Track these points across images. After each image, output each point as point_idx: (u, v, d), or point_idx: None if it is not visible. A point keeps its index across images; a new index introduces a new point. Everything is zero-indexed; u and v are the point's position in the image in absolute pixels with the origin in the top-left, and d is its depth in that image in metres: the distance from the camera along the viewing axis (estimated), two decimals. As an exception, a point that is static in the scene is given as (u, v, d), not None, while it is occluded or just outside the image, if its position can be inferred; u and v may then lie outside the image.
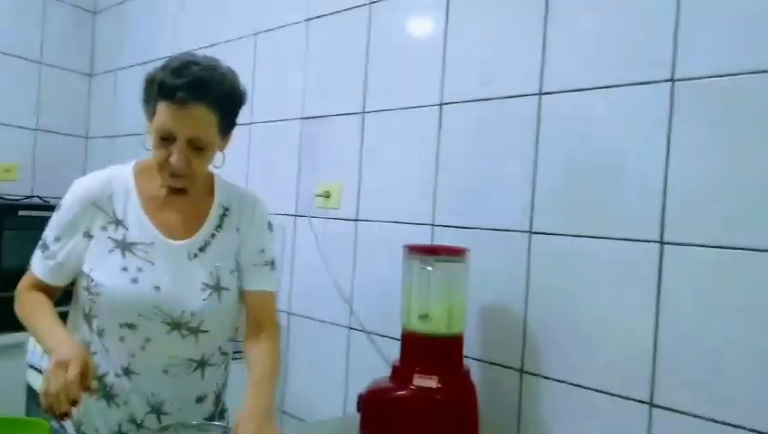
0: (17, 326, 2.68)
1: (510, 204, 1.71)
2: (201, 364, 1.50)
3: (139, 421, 1.46)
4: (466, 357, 1.65)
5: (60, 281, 1.48)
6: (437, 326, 1.58)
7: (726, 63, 1.35)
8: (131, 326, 1.42)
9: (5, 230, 3.00)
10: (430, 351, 1.58)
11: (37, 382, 2.50)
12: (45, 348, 1.37)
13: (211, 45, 2.80)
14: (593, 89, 1.56)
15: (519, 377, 1.67)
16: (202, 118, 1.36)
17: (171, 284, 1.43)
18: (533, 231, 1.66)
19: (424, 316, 1.59)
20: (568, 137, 1.60)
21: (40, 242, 1.48)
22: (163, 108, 1.34)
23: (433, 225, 1.90)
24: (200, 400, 1.52)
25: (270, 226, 1.59)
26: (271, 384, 1.43)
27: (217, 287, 1.47)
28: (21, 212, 3.08)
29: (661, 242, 1.42)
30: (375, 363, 1.90)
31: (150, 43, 3.24)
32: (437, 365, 1.56)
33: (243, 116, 2.66)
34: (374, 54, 2.11)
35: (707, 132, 1.37)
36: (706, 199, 1.37)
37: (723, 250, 1.33)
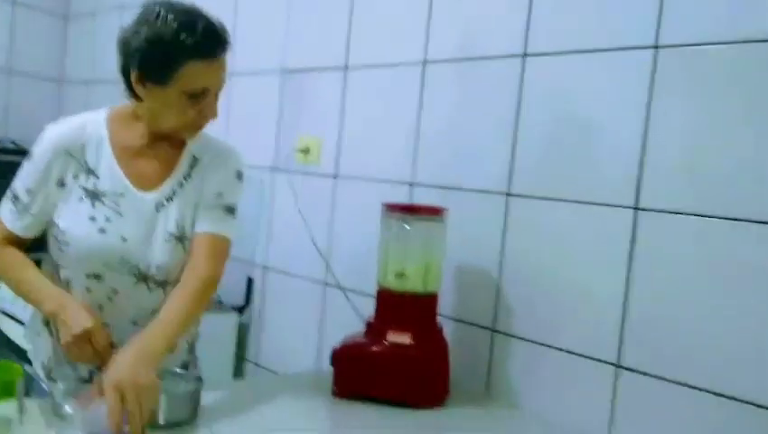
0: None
1: (489, 166, 1.71)
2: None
3: None
4: (440, 315, 1.68)
5: (32, 233, 1.45)
6: (413, 285, 1.60)
7: (711, 32, 1.35)
8: (97, 277, 1.41)
9: (-23, 174, 2.95)
10: (405, 308, 1.59)
11: (8, 327, 2.50)
12: (43, 310, 1.40)
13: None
14: (577, 52, 1.55)
15: (490, 336, 1.69)
16: (225, 66, 1.39)
17: (138, 236, 1.41)
18: (511, 193, 1.67)
19: (400, 274, 1.60)
20: (550, 100, 1.60)
21: (9, 193, 1.43)
22: (193, 67, 1.32)
23: (412, 184, 1.90)
24: (171, 349, 1.44)
25: (239, 175, 1.53)
26: (172, 330, 1.34)
27: (181, 238, 1.44)
28: (-6, 156, 3.03)
29: (636, 208, 1.44)
30: (350, 320, 1.92)
31: (129, -13, 3.15)
32: (411, 323, 1.57)
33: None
34: (358, 8, 2.08)
35: (687, 100, 1.38)
36: (683, 167, 1.38)
37: (697, 217, 1.35)
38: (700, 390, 1.33)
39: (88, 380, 1.44)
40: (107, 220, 1.40)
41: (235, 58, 2.45)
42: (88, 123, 1.45)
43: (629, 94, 1.46)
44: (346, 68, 2.09)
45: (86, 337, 1.30)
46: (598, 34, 1.51)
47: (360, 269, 1.96)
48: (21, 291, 1.44)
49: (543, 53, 1.62)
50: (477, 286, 1.72)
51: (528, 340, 1.62)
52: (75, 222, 1.40)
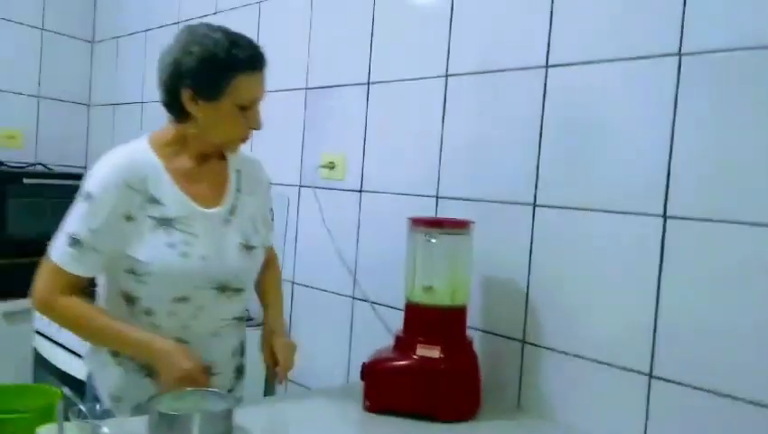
0: (23, 293, 2.71)
1: (514, 177, 1.71)
2: (240, 320, 1.61)
3: None
4: (469, 328, 1.67)
5: (95, 273, 1.47)
6: (441, 298, 1.60)
7: (734, 38, 1.34)
8: (183, 300, 1.46)
9: (10, 198, 3.01)
10: (433, 322, 1.60)
11: (44, 347, 2.54)
12: (134, 353, 1.46)
13: (215, 13, 2.77)
14: (600, 62, 1.55)
15: (521, 348, 1.69)
16: (265, 79, 1.49)
17: (214, 251, 1.48)
18: (537, 203, 1.66)
19: (427, 288, 1.61)
20: (574, 111, 1.60)
21: (63, 238, 1.42)
22: (245, 80, 1.42)
23: (437, 197, 1.90)
24: (234, 353, 1.61)
25: (270, 185, 1.72)
26: (281, 306, 1.73)
27: (248, 247, 1.54)
28: (25, 180, 3.09)
29: (665, 216, 1.43)
30: (378, 334, 1.92)
31: (152, 10, 3.21)
32: (440, 336, 1.57)
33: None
34: (379, 24, 2.09)
35: (712, 107, 1.37)
36: (710, 174, 1.37)
37: (726, 223, 1.34)
38: (734, 398, 1.32)
39: None
40: (185, 243, 1.45)
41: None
42: (137, 153, 1.47)
43: (654, 102, 1.45)
44: (369, 83, 2.11)
45: (187, 378, 1.38)
46: (621, 43, 1.51)
47: (388, 283, 1.96)
48: (101, 340, 1.49)
49: (566, 64, 1.62)
50: (506, 297, 1.72)
51: (559, 351, 1.61)
52: (155, 252, 1.42)
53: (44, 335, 2.55)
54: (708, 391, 1.35)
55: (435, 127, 1.90)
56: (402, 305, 1.66)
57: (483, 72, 1.79)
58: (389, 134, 2.04)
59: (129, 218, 1.42)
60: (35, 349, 2.62)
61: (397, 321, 1.74)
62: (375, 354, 1.64)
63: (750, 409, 1.30)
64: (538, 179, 1.66)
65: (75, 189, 3.48)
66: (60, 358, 2.42)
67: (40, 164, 3.42)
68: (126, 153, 1.48)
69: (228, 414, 1.34)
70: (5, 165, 3.26)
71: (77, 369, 2.30)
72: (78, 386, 2.24)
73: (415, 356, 1.56)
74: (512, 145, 1.72)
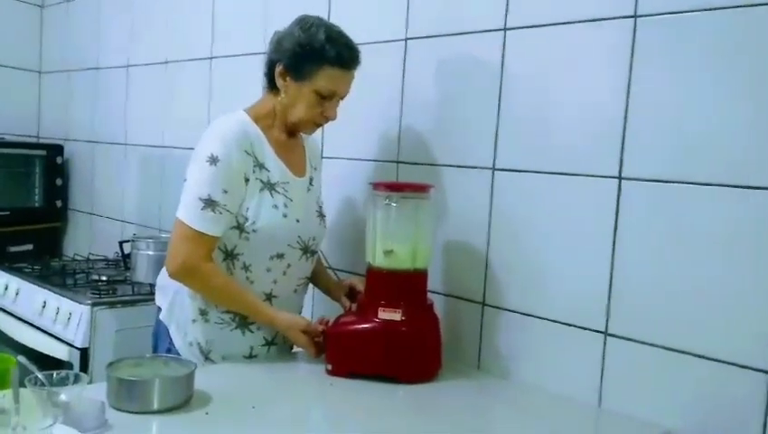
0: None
1: (473, 141, 1.72)
2: (308, 281, 1.79)
3: (270, 340, 1.69)
4: (430, 291, 1.69)
5: (224, 232, 1.58)
6: (402, 262, 1.61)
7: (688, 0, 1.35)
8: (279, 256, 1.64)
9: (-40, 167, 2.93)
10: (394, 286, 1.61)
11: (4, 322, 2.49)
12: (259, 321, 1.65)
13: (169, -24, 2.71)
14: (557, 24, 1.56)
15: (480, 310, 1.71)
16: (353, 79, 1.65)
17: (305, 215, 1.68)
18: (496, 167, 1.68)
19: (388, 252, 1.61)
20: (531, 73, 1.61)
21: (197, 203, 1.53)
22: (330, 73, 1.59)
23: (398, 162, 1.90)
24: (302, 309, 1.81)
25: None
26: None
27: (321, 214, 1.77)
28: (-24, 149, 3.01)
29: (620, 178, 1.45)
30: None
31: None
32: (402, 299, 1.59)
33: (204, 50, 2.61)
34: (338, -13, 2.07)
35: (667, 69, 1.39)
36: (664, 135, 1.39)
37: (679, 184, 1.37)
38: (685, 353, 1.36)
39: (248, 356, 1.68)
40: (285, 205, 1.63)
41: (215, 41, 2.43)
42: (243, 123, 1.63)
43: (609, 64, 1.47)
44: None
45: (309, 334, 1.62)
46: (578, 6, 1.52)
47: (349, 248, 1.97)
48: (233, 306, 1.64)
49: (523, 26, 1.62)
50: (466, 261, 1.74)
51: (518, 312, 1.64)
52: (263, 212, 1.60)
53: (3, 310, 2.50)
54: (661, 346, 1.39)
55: (395, 91, 1.90)
56: (364, 270, 1.67)
57: (442, 36, 1.79)
58: (350, 99, 2.02)
59: (246, 180, 1.59)
60: (-8, 322, 2.57)
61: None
62: (337, 319, 1.64)
63: (700, 362, 1.34)
64: (498, 143, 1.67)
65: (27, 158, 3.41)
66: (16, 330, 2.38)
67: (-8, 133, 3.32)
68: (235, 122, 1.62)
69: (188, 379, 1.33)
70: (-46, 134, 3.16)
71: (33, 340, 2.27)
72: (36, 357, 2.21)
73: (376, 320, 1.57)
74: (471, 108, 1.72)
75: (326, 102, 1.62)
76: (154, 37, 2.82)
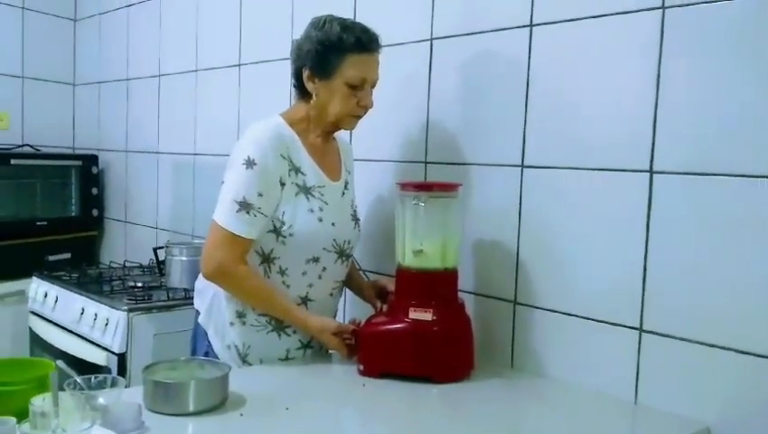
0: (16, 274, 2.72)
1: (501, 139, 1.71)
2: (343, 284, 1.79)
3: (306, 343, 1.70)
4: (461, 291, 1.68)
5: (259, 235, 1.60)
6: (431, 261, 1.60)
7: (718, -11, 1.33)
8: (315, 260, 1.66)
9: (-1, 179, 3.00)
10: (425, 285, 1.60)
11: (39, 326, 2.55)
12: (293, 324, 1.66)
13: (196, -15, 2.75)
14: (583, 18, 1.54)
15: (512, 308, 1.70)
16: (378, 63, 1.66)
17: (340, 219, 1.70)
18: (525, 165, 1.66)
19: (418, 252, 1.61)
20: (559, 69, 1.60)
21: (233, 206, 1.55)
22: (354, 60, 1.60)
23: (426, 162, 1.90)
24: (336, 312, 1.82)
25: None
26: None
27: (356, 218, 1.78)
28: (13, 161, 3.08)
29: (651, 172, 1.43)
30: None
31: (133, -15, 3.17)
32: (432, 299, 1.58)
33: (233, 57, 2.63)
34: (362, -10, 2.08)
35: (697, 60, 1.37)
36: (695, 128, 1.37)
37: (712, 177, 1.35)
38: (723, 348, 1.34)
39: (285, 358, 1.69)
40: (321, 210, 1.64)
41: (242, 48, 2.46)
42: (280, 127, 1.65)
43: (638, 57, 1.45)
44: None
45: (340, 336, 1.63)
46: (604, -1, 1.50)
47: (379, 249, 1.97)
48: (267, 309, 1.65)
49: (550, 22, 1.61)
50: (497, 259, 1.73)
51: (550, 310, 1.62)
52: (299, 216, 1.62)
53: (39, 315, 2.56)
54: (697, 342, 1.37)
55: (421, 91, 1.90)
56: (394, 270, 1.67)
57: (467, 34, 1.78)
58: (377, 100, 2.03)
59: (282, 183, 1.60)
60: (31, 328, 2.63)
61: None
62: (368, 319, 1.65)
63: (738, 357, 1.31)
64: (525, 139, 1.66)
65: (64, 169, 3.48)
66: (55, 336, 2.43)
67: (27, 145, 3.39)
68: (271, 126, 1.65)
69: (223, 381, 1.35)
70: (-8, 147, 3.24)
71: (72, 346, 2.32)
72: (74, 363, 2.26)
73: (407, 320, 1.57)
74: (499, 106, 1.72)
75: (359, 92, 1.63)
76: (183, 46, 2.86)
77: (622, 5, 1.47)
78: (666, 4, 1.40)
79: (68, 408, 1.09)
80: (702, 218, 1.36)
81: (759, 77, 1.29)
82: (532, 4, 1.64)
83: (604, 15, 1.51)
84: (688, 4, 1.37)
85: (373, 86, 1.67)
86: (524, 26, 1.65)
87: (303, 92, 1.68)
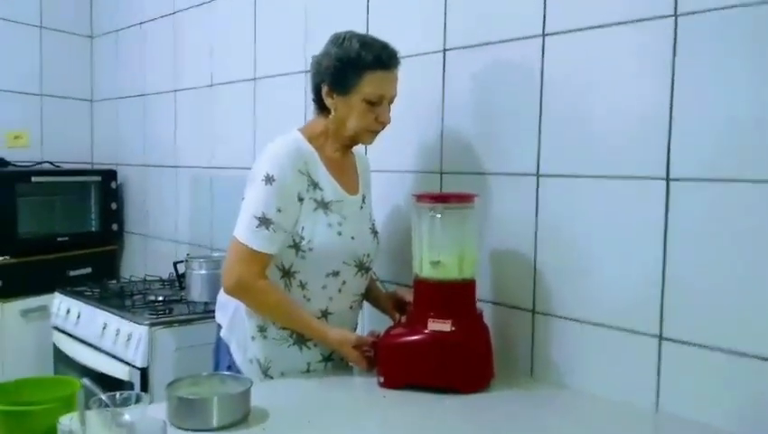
0: (39, 290, 2.75)
1: (516, 148, 1.71)
2: (363, 297, 1.81)
3: (327, 356, 1.72)
4: (479, 300, 1.69)
5: (279, 251, 1.62)
6: (449, 272, 1.61)
7: (730, -5, 1.33)
8: (335, 274, 1.67)
9: (19, 196, 3.04)
10: (443, 296, 1.61)
11: (63, 342, 2.58)
12: (313, 337, 1.67)
13: (207, 2, 2.78)
14: (596, 27, 1.55)
15: (531, 317, 1.70)
16: (396, 80, 1.68)
17: (359, 233, 1.71)
18: (540, 173, 1.67)
19: (435, 263, 1.62)
20: (572, 78, 1.60)
21: (252, 221, 1.57)
22: (373, 78, 1.62)
23: (441, 173, 1.91)
24: (357, 325, 1.84)
25: None
26: None
27: (374, 232, 1.79)
28: (34, 179, 3.12)
29: (667, 179, 1.43)
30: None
31: (148, 2, 3.21)
32: (450, 310, 1.59)
33: (248, 72, 2.66)
34: (374, 1, 2.09)
35: (711, 67, 1.37)
36: (711, 134, 1.37)
37: (729, 183, 1.34)
38: (744, 355, 1.33)
39: (306, 372, 1.71)
40: (339, 224, 1.66)
41: (257, 62, 2.48)
42: (298, 143, 1.67)
43: (652, 65, 1.45)
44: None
45: (359, 348, 1.63)
46: (616, 7, 1.50)
47: (397, 260, 1.98)
48: (287, 323, 1.67)
49: (562, 31, 1.61)
50: (514, 269, 1.73)
51: (569, 318, 1.62)
52: (318, 231, 1.63)
53: (63, 331, 2.59)
54: (718, 349, 1.37)
55: (436, 102, 1.91)
56: (411, 281, 1.68)
57: (480, 45, 1.79)
58: (392, 111, 2.04)
59: (301, 199, 1.62)
60: (54, 344, 2.66)
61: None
62: (387, 331, 1.65)
63: (760, 364, 1.31)
64: (540, 148, 1.66)
65: (83, 185, 3.52)
66: (78, 352, 2.46)
67: (47, 162, 3.45)
68: (290, 141, 1.66)
69: (245, 396, 1.36)
70: (13, 164, 3.29)
71: (95, 361, 2.34)
72: (97, 378, 2.29)
73: (426, 331, 1.58)
74: (513, 115, 1.72)
75: (377, 108, 1.65)
76: (199, 61, 2.90)
77: (634, 14, 1.48)
78: (678, 12, 1.40)
79: (95, 426, 1.11)
80: (719, 224, 1.36)
81: (774, 83, 1.28)
82: (544, 14, 1.64)
83: (617, 24, 1.51)
84: (700, 11, 1.37)
85: (391, 102, 1.68)
86: (537, 36, 1.66)
87: (321, 107, 1.70)
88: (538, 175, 1.67)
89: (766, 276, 1.30)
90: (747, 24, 1.32)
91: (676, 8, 1.41)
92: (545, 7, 1.64)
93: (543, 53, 1.65)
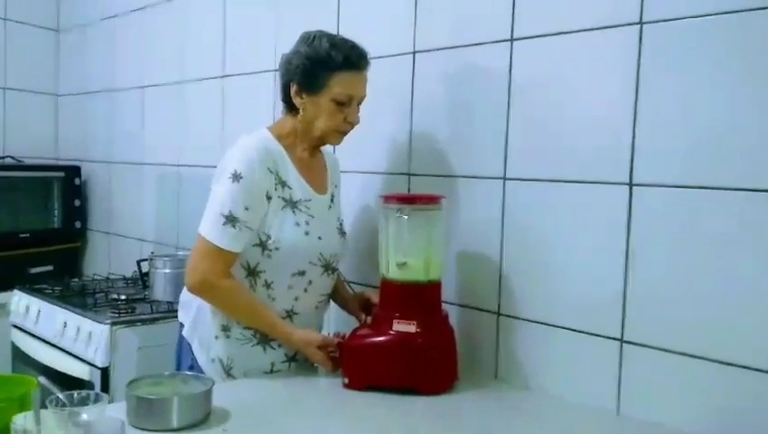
0: (-1, 287, 2.62)
1: (484, 151, 1.72)
2: (328, 297, 1.80)
3: (291, 356, 1.71)
4: (445, 302, 1.69)
5: (243, 249, 1.60)
6: (415, 274, 1.61)
7: (695, 5, 1.35)
8: (301, 273, 1.66)
9: (-20, 192, 2.97)
10: (408, 298, 1.61)
11: (22, 340, 2.53)
12: (278, 337, 1.66)
13: (180, -3, 2.75)
14: (563, 33, 1.56)
15: (496, 319, 1.71)
16: (366, 81, 1.68)
17: (326, 232, 1.70)
18: (507, 177, 1.68)
19: (401, 264, 1.62)
20: (539, 82, 1.61)
21: (219, 219, 1.55)
22: (342, 78, 1.61)
23: (409, 174, 1.91)
24: (321, 325, 1.84)
25: None
26: None
27: (342, 231, 1.79)
28: (-5, 173, 3.05)
29: (630, 184, 1.45)
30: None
31: (117, -4, 3.17)
32: (416, 311, 1.59)
33: (217, 69, 2.64)
34: (345, 3, 2.09)
35: (675, 74, 1.39)
36: (674, 141, 1.39)
37: (690, 189, 1.36)
38: (704, 359, 1.35)
39: (270, 372, 1.69)
40: (307, 223, 1.65)
41: (226, 60, 2.46)
42: (267, 141, 1.66)
43: (617, 72, 1.47)
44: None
45: (324, 349, 1.62)
46: (583, 14, 1.52)
47: (363, 261, 1.98)
48: (252, 323, 1.65)
49: (530, 36, 1.63)
50: (480, 271, 1.74)
51: (533, 321, 1.64)
52: (285, 229, 1.62)
53: (21, 329, 2.54)
54: (679, 352, 1.39)
55: (404, 103, 1.91)
56: (378, 282, 1.67)
57: (449, 48, 1.80)
58: (360, 112, 2.04)
59: (269, 197, 1.61)
60: (13, 342, 2.60)
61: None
62: (352, 331, 1.65)
63: (719, 368, 1.33)
64: (508, 152, 1.68)
65: (46, 180, 3.45)
66: (38, 351, 2.41)
67: (9, 156, 3.37)
68: (259, 140, 1.65)
69: (206, 396, 1.35)
70: (-27, 159, 3.21)
71: (54, 360, 2.30)
72: (57, 377, 2.25)
73: (392, 332, 1.57)
74: (481, 119, 1.73)
75: (346, 108, 1.64)
76: (167, 58, 2.86)
77: (599, 21, 1.50)
78: (644, 20, 1.42)
79: (50, 426, 1.09)
80: (681, 229, 1.38)
81: (736, 91, 1.31)
82: (513, 19, 1.66)
83: (583, 30, 1.53)
84: (665, 20, 1.40)
85: (360, 102, 1.68)
86: (505, 40, 1.67)
87: (290, 106, 1.69)
88: (504, 179, 1.68)
89: (728, 280, 1.32)
90: (712, 33, 1.34)
91: (641, 16, 1.43)
92: (513, 12, 1.65)
93: (511, 58, 1.66)
